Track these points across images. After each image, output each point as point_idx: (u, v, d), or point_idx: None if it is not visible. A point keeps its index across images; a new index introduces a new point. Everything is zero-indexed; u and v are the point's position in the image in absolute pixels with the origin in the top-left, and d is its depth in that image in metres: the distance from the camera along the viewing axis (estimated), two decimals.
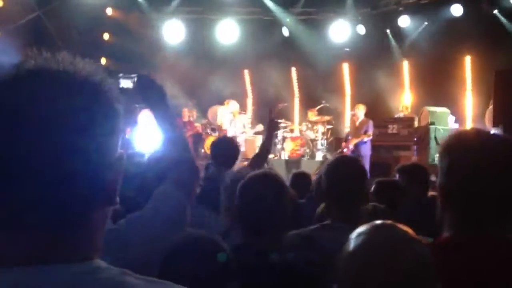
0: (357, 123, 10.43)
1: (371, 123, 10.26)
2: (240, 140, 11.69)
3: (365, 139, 10.10)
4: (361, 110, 10.47)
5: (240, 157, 11.81)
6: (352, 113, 11.01)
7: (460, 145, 1.42)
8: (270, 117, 4.22)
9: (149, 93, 1.88)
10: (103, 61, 13.04)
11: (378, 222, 1.17)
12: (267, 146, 4.29)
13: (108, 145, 0.80)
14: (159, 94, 1.88)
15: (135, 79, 1.95)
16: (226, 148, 4.02)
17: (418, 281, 1.06)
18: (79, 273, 0.75)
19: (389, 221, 1.17)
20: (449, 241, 1.40)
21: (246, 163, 11.46)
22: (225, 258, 1.63)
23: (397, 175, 3.88)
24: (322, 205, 2.94)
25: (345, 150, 10.37)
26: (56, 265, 0.74)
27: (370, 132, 10.16)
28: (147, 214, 1.71)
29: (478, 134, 1.46)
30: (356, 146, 10.21)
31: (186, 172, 1.81)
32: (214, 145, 4.22)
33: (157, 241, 1.64)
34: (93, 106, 0.77)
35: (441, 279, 1.10)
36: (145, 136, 11.00)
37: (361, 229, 1.13)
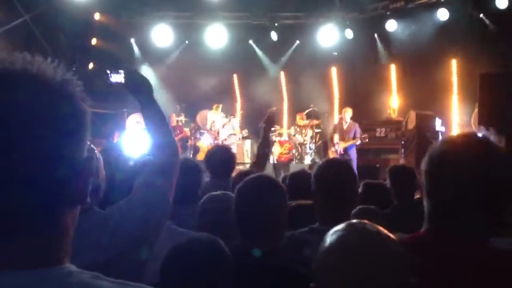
0: (345, 127, 10.49)
1: (358, 126, 10.36)
2: (231, 143, 11.74)
3: (358, 142, 10.17)
4: (348, 113, 10.55)
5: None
6: (340, 117, 11.08)
7: (443, 149, 1.45)
8: (265, 121, 4.14)
9: (137, 87, 1.91)
10: (91, 65, 13.00)
11: (354, 220, 1.19)
12: (263, 148, 4.15)
13: (74, 146, 0.78)
14: (147, 88, 1.91)
15: (124, 73, 1.98)
16: (223, 159, 3.85)
17: (391, 277, 1.08)
18: (48, 278, 0.73)
19: (364, 220, 1.18)
20: (421, 237, 1.44)
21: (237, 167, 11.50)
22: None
23: (387, 178, 3.92)
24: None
25: (334, 150, 10.41)
26: (25, 271, 0.72)
27: (358, 134, 10.25)
28: (134, 198, 1.74)
29: (464, 139, 1.48)
30: (346, 149, 10.27)
31: (171, 176, 1.82)
32: (210, 156, 4.00)
33: (144, 222, 1.68)
34: (56, 107, 0.75)
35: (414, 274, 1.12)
36: (133, 141, 10.96)
37: (336, 228, 1.15)
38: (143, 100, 1.90)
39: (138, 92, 1.91)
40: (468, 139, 1.48)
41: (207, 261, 1.61)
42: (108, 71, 1.98)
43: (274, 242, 1.99)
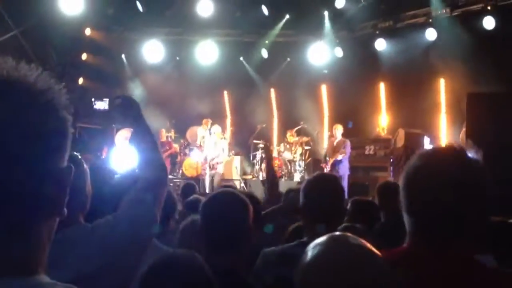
0: (335, 143, 10.52)
1: (348, 143, 10.37)
2: (219, 161, 11.74)
3: (340, 157, 10.17)
4: (339, 130, 10.58)
5: (218, 179, 11.73)
6: (330, 134, 11.12)
7: (417, 162, 1.44)
8: (265, 148, 4.09)
9: (127, 112, 1.95)
10: (81, 81, 12.97)
11: (335, 233, 1.17)
12: (269, 177, 3.96)
13: (51, 154, 0.76)
14: (136, 110, 1.94)
15: (110, 101, 2.03)
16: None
17: None
18: None
19: (346, 233, 1.17)
20: (403, 252, 1.42)
21: (224, 184, 11.51)
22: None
23: (376, 195, 3.94)
24: (294, 225, 2.95)
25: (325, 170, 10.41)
26: None
27: (346, 150, 10.25)
28: (119, 216, 1.77)
29: (441, 152, 1.48)
30: (333, 165, 10.28)
31: (158, 192, 1.84)
32: None
33: (129, 240, 1.69)
34: (35, 114, 0.74)
35: None
36: (122, 157, 10.91)
37: (318, 240, 1.13)
38: (131, 121, 1.95)
39: (126, 116, 1.96)
40: (443, 152, 1.48)
41: (186, 279, 1.59)
42: (93, 99, 2.03)
43: (238, 258, 2.00)
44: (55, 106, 0.77)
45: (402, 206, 1.46)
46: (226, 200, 2.08)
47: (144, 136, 1.92)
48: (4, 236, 0.72)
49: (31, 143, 0.73)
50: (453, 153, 1.44)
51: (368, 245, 1.11)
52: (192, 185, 5.80)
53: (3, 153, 0.71)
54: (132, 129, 1.97)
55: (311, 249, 1.11)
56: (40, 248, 0.77)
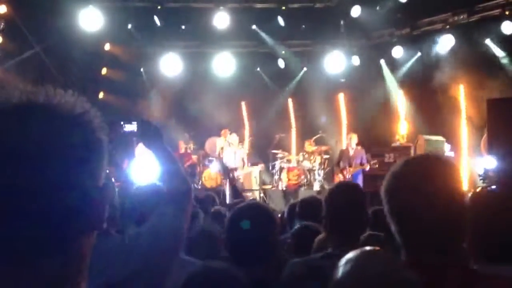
0: (351, 153, 10.46)
1: (364, 152, 10.36)
2: (240, 173, 11.77)
3: (368, 167, 10.13)
4: (354, 140, 10.53)
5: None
6: (348, 143, 11.07)
7: (403, 171, 1.45)
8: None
9: (148, 135, 2.03)
10: (101, 95, 13.17)
11: (366, 248, 1.17)
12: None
13: (91, 174, 0.81)
14: (157, 135, 2.02)
15: (137, 123, 2.10)
16: None
17: None
18: None
19: (377, 248, 1.17)
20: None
21: (247, 193, 11.53)
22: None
23: None
24: (321, 236, 2.95)
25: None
26: None
27: (366, 161, 10.22)
28: (149, 229, 1.81)
29: (423, 160, 1.49)
30: (352, 175, 10.23)
31: (183, 203, 1.88)
32: None
33: (159, 253, 1.74)
34: (74, 137, 0.78)
35: None
36: (142, 169, 11.01)
37: (349, 256, 1.13)
38: (154, 148, 2.03)
39: (150, 142, 2.04)
40: (424, 159, 1.49)
41: None
42: (122, 122, 2.08)
43: (266, 271, 2.01)
44: (93, 128, 0.82)
45: (386, 210, 1.45)
46: (252, 214, 2.09)
47: (166, 160, 1.99)
48: (50, 253, 0.76)
49: (73, 164, 0.77)
50: (434, 161, 1.45)
51: (398, 260, 1.11)
52: (211, 196, 5.83)
53: (48, 175, 0.75)
54: (154, 154, 2.04)
55: (343, 265, 1.11)
56: (81, 263, 0.81)
